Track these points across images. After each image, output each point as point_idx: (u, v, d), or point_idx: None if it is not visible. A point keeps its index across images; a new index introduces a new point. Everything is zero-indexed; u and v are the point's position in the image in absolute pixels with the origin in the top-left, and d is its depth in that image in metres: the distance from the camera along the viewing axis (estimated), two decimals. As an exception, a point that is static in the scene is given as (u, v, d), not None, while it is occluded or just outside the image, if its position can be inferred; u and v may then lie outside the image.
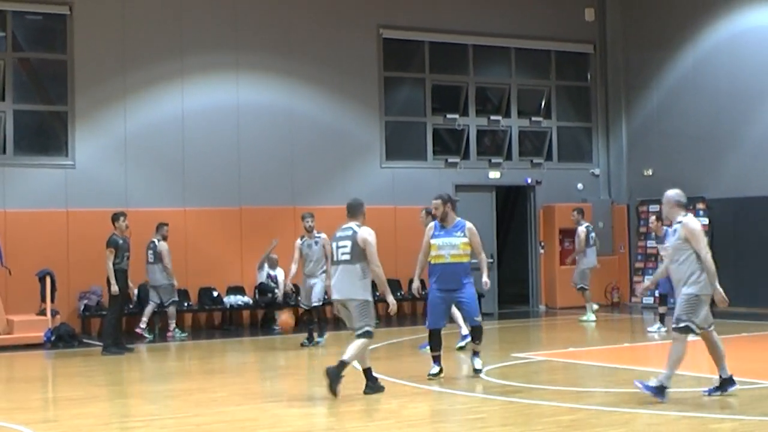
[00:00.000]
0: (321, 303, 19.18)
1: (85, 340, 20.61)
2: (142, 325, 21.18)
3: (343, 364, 12.60)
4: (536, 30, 28.02)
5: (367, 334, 12.89)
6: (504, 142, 27.85)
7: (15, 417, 11.96)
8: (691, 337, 12.11)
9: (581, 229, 23.54)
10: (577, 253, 23.68)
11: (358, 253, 12.98)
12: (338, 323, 18.27)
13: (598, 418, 11.17)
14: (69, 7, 22.73)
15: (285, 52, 24.77)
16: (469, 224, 14.45)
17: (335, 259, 13.22)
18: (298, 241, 19.32)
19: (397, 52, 26.54)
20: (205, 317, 23.68)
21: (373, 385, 13.00)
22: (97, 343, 19.66)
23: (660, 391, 11.82)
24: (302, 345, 18.99)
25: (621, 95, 28.67)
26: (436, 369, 14.31)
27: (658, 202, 26.34)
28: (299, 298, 20.80)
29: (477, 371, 14.36)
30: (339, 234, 13.32)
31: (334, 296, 13.23)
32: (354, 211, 13.58)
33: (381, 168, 25.80)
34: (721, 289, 12.13)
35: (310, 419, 11.46)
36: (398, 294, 25.08)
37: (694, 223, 12.15)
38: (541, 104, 28.57)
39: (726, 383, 12.22)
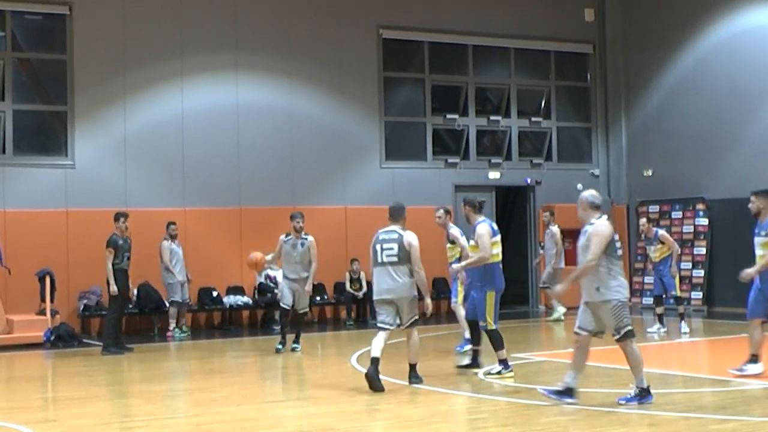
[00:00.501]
0: (308, 310, 18.69)
1: (84, 340, 20.62)
2: (170, 327, 21.36)
3: (377, 361, 13.35)
4: (536, 30, 28.03)
5: (416, 323, 13.97)
6: (504, 142, 27.86)
7: (15, 417, 11.96)
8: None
9: (556, 230, 23.62)
10: (557, 255, 23.64)
11: (405, 255, 13.68)
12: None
13: (598, 418, 11.17)
14: (69, 7, 22.74)
15: (285, 52, 24.78)
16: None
17: (379, 260, 13.76)
18: (282, 238, 18.38)
19: (396, 52, 26.55)
20: (205, 317, 23.70)
21: (417, 377, 13.96)
22: (97, 342, 19.67)
23: (644, 395, 11.71)
24: (278, 351, 17.96)
25: (621, 95, 28.68)
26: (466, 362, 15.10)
27: (658, 202, 26.58)
28: (278, 296, 19.80)
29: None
30: (383, 236, 13.87)
31: (383, 296, 13.75)
32: (396, 214, 14.11)
33: (381, 168, 25.81)
34: (561, 287, 12.00)
35: (310, 419, 11.46)
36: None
37: (600, 228, 11.69)
38: (540, 104, 28.58)
39: (569, 392, 11.84)
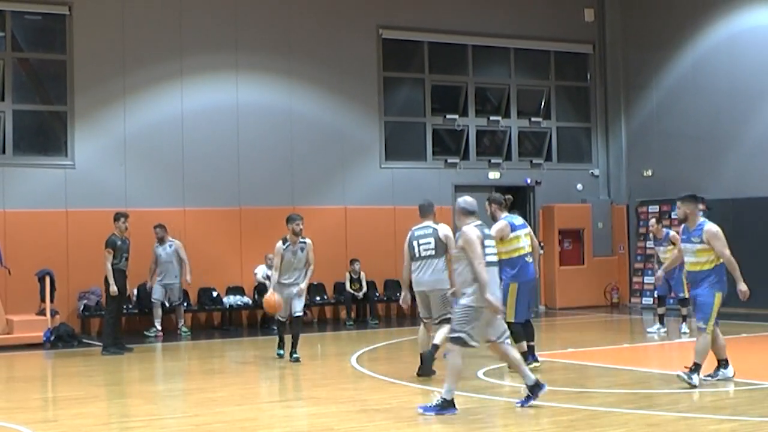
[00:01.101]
0: (302, 313, 17.16)
1: (84, 340, 20.62)
2: (157, 326, 21.56)
3: (435, 348, 14.20)
4: (536, 30, 28.03)
5: (449, 321, 13.68)
6: (503, 142, 27.86)
7: (15, 417, 11.96)
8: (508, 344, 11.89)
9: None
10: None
11: (441, 248, 14.44)
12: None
13: (598, 418, 11.17)
14: (68, 7, 22.74)
15: (285, 52, 24.77)
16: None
17: (417, 255, 14.56)
18: (280, 245, 16.80)
19: (396, 52, 26.55)
20: (205, 317, 23.69)
21: (428, 368, 14.31)
22: (97, 343, 19.67)
23: (445, 406, 11.42)
24: (279, 356, 17.15)
25: (620, 95, 28.68)
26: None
27: (658, 202, 26.57)
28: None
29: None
30: (418, 233, 14.70)
31: (421, 288, 14.49)
32: (426, 211, 14.99)
33: (380, 168, 25.81)
34: (493, 299, 11.36)
35: (310, 419, 11.46)
36: (398, 294, 25.07)
37: (471, 233, 11.65)
38: (540, 104, 28.59)
39: (535, 388, 11.72)
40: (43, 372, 17.52)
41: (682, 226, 13.77)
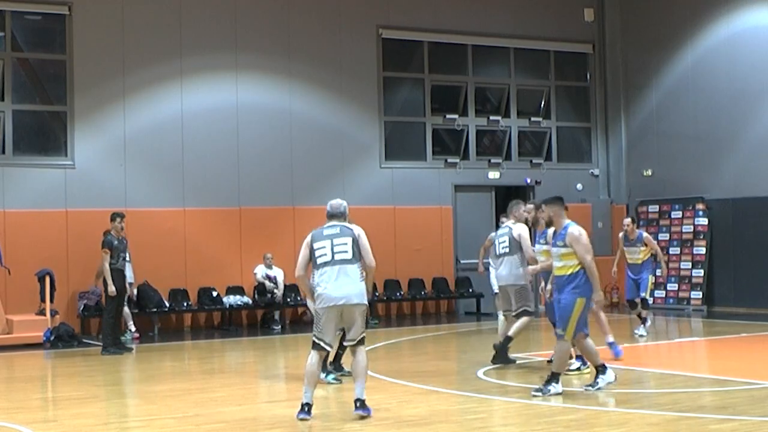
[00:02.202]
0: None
1: (84, 340, 20.62)
2: (132, 328, 21.42)
3: (508, 339, 15.22)
4: (535, 30, 28.02)
5: (526, 313, 15.37)
6: (503, 142, 27.85)
7: (15, 417, 11.97)
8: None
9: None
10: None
11: (515, 246, 15.41)
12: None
13: (597, 418, 11.19)
14: (68, 7, 22.72)
15: (284, 52, 24.76)
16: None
17: (497, 252, 15.71)
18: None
19: (396, 52, 26.55)
20: (205, 317, 23.68)
21: (505, 357, 15.29)
22: (97, 343, 19.66)
23: (302, 410, 11.37)
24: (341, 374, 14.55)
25: (620, 95, 28.68)
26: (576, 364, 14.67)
27: (658, 202, 26.56)
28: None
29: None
30: (500, 232, 15.85)
31: (501, 283, 15.64)
32: (508, 211, 16.08)
33: (380, 168, 25.80)
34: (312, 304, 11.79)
35: (310, 419, 11.45)
36: (398, 294, 25.13)
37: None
38: (540, 104, 28.58)
39: (360, 404, 11.43)
40: (43, 372, 17.53)
41: (551, 229, 13.25)
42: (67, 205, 22.31)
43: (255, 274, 23.25)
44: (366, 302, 11.70)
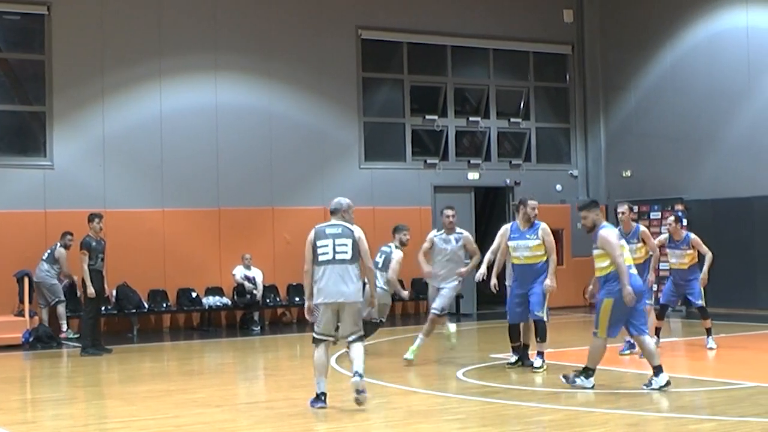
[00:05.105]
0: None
1: (63, 341, 20.56)
2: (63, 328, 21.32)
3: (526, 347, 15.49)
4: (515, 31, 28.09)
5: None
6: (483, 143, 27.91)
7: (-7, 418, 11.94)
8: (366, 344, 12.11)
9: None
10: None
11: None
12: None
13: (577, 418, 11.20)
14: (47, 7, 22.66)
15: (263, 53, 24.75)
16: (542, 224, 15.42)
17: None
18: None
19: (375, 53, 26.58)
20: (184, 318, 23.65)
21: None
22: (76, 344, 19.61)
23: (318, 399, 12.00)
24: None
25: (599, 96, 28.76)
26: (513, 359, 15.37)
27: (637, 203, 26.65)
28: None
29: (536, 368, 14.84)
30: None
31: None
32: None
33: (360, 169, 25.81)
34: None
35: (289, 420, 11.45)
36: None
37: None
38: (519, 105, 28.65)
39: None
40: (22, 373, 17.46)
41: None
42: (46, 206, 22.24)
43: (234, 275, 23.22)
44: (361, 300, 12.34)
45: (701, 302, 17.49)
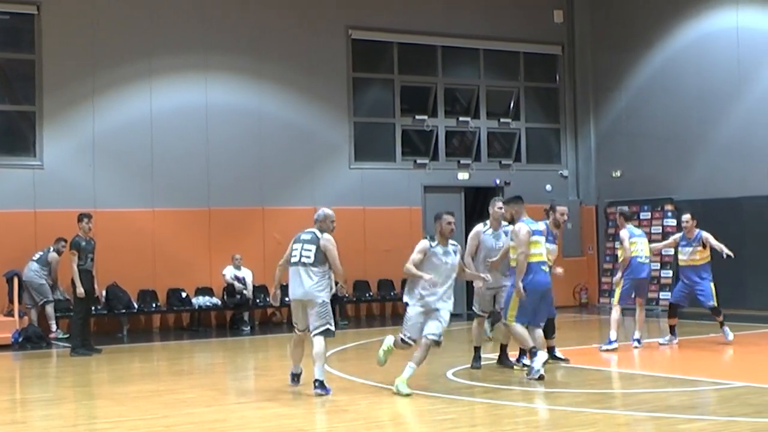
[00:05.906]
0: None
1: (53, 342, 20.53)
2: (53, 329, 21.28)
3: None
4: (505, 31, 28.09)
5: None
6: (473, 143, 27.91)
7: (-18, 419, 11.92)
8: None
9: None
10: None
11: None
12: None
13: (567, 418, 11.21)
14: (37, 6, 22.63)
15: (254, 53, 24.73)
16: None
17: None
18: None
19: (365, 53, 26.56)
20: (174, 318, 23.63)
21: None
22: (66, 344, 19.59)
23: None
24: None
25: (589, 96, 28.79)
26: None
27: (627, 203, 26.65)
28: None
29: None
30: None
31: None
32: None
33: (350, 169, 25.80)
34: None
35: (279, 420, 11.45)
36: (367, 295, 25.14)
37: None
38: (509, 105, 28.66)
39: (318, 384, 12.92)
40: (12, 373, 17.42)
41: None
42: (36, 206, 22.21)
43: (224, 275, 23.20)
44: (321, 298, 13.34)
45: (713, 303, 17.80)
